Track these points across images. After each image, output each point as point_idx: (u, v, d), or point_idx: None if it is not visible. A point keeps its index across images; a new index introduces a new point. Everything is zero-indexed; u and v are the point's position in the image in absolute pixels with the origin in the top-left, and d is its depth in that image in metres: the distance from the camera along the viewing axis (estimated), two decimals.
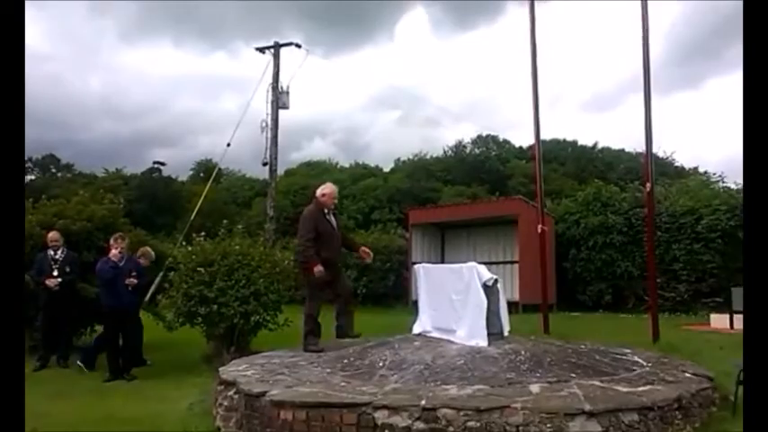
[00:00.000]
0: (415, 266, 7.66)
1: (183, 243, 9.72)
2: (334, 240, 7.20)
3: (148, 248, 9.91)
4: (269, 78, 21.17)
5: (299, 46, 21.58)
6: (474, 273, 6.57)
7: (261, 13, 76.69)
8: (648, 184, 8.38)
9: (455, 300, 6.73)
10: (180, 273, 8.51)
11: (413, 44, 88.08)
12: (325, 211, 7.25)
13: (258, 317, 8.56)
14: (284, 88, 21.25)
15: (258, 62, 27.61)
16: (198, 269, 8.34)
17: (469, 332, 6.42)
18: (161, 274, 11.49)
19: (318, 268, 6.86)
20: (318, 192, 7.33)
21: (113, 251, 8.34)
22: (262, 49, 21.46)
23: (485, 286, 6.51)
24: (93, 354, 8.96)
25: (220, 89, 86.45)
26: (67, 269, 9.16)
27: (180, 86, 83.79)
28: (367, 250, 7.72)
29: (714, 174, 17.10)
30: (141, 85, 79.01)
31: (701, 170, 40.22)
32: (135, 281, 8.36)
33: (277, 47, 21.43)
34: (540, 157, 9.63)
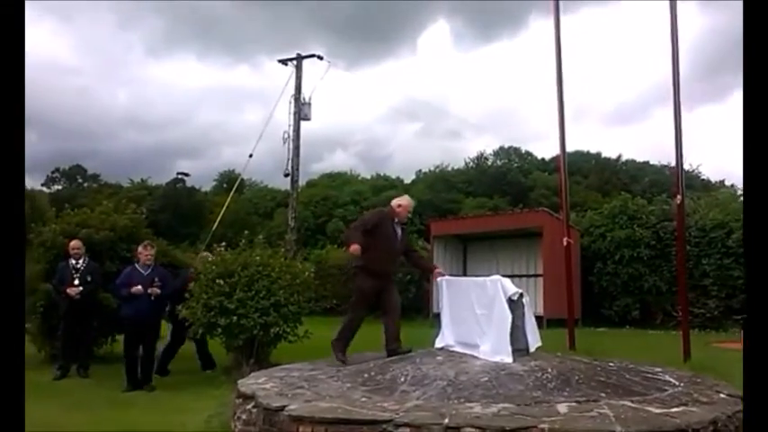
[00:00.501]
0: (438, 279, 7.47)
1: (204, 253, 9.68)
2: (392, 251, 6.94)
3: (208, 254, 9.99)
4: (291, 90, 21.28)
5: (320, 58, 21.68)
6: (498, 286, 6.42)
7: (284, 27, 77.59)
8: (679, 197, 8.15)
9: (479, 314, 6.57)
10: (200, 283, 8.44)
11: (435, 57, 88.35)
12: (395, 219, 6.97)
13: (278, 328, 8.46)
14: (306, 100, 21.31)
15: (281, 75, 27.75)
16: (218, 280, 8.26)
17: (494, 348, 6.26)
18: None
19: (354, 247, 6.58)
20: (395, 201, 7.09)
21: (142, 258, 8.36)
22: (284, 61, 21.55)
23: (509, 300, 6.36)
24: (163, 362, 9.14)
25: (243, 101, 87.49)
26: (89, 278, 9.14)
27: (204, 99, 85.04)
28: (441, 271, 7.46)
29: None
30: (166, 98, 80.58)
31: (728, 183, 39.84)
32: (158, 291, 8.29)
33: (299, 59, 21.49)
34: (565, 168, 9.45)
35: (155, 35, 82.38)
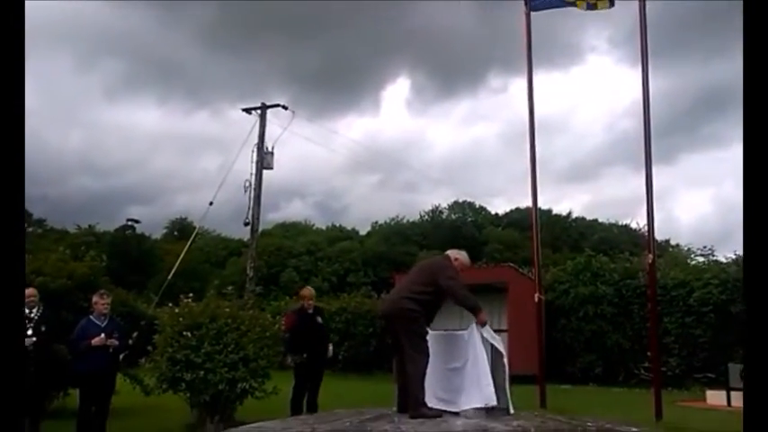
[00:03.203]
0: None
1: (169, 304, 9.22)
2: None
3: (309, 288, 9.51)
4: (254, 138, 21.14)
5: (285, 108, 21.67)
6: (474, 333, 6.30)
7: (248, 75, 77.59)
8: (650, 256, 8.26)
9: (456, 367, 6.41)
10: (165, 335, 8.07)
11: (396, 110, 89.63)
12: None
13: (245, 384, 8.09)
14: (269, 149, 21.20)
15: (240, 122, 27.60)
16: (185, 332, 7.90)
17: (475, 396, 6.11)
18: (135, 334, 11.03)
19: (486, 317, 6.36)
20: (453, 253, 6.72)
21: (99, 308, 7.92)
22: (248, 110, 21.49)
23: (493, 351, 6.25)
24: None
25: (200, 148, 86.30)
26: (43, 328, 8.65)
27: (160, 144, 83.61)
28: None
29: (705, 246, 17.10)
30: (122, 142, 78.71)
31: (673, 243, 41.06)
32: (116, 342, 7.87)
33: (264, 108, 21.46)
34: (537, 225, 9.51)
35: (115, 78, 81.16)
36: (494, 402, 5.94)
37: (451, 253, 6.75)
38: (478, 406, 6.00)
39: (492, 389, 6.01)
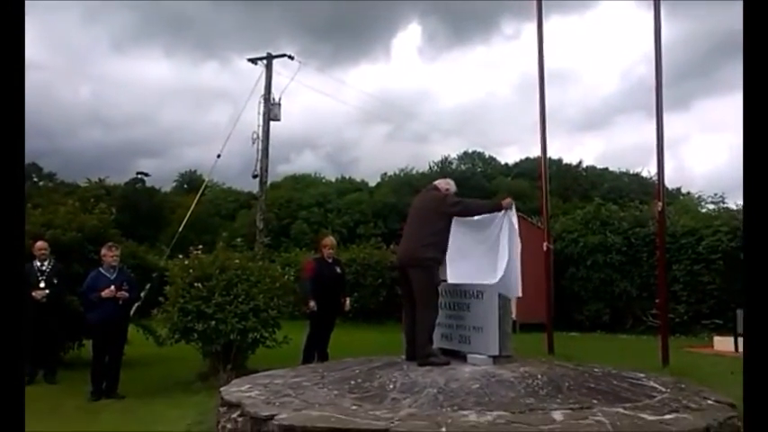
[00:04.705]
0: None
1: (180, 256, 9.30)
2: None
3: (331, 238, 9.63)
4: (261, 90, 20.98)
5: (291, 57, 21.45)
6: (504, 224, 6.29)
7: (257, 25, 76.67)
8: (659, 203, 8.22)
9: (484, 242, 6.46)
10: (176, 287, 8.17)
11: (407, 59, 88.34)
12: None
13: (256, 333, 8.23)
14: (276, 100, 21.04)
15: (250, 73, 27.39)
16: (195, 284, 8.00)
17: (486, 272, 6.19)
18: (148, 285, 11.18)
19: (510, 200, 6.26)
20: (442, 183, 6.51)
21: (107, 260, 8.02)
22: (254, 60, 21.26)
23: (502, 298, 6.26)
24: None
25: (209, 100, 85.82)
26: (55, 281, 8.80)
27: (170, 96, 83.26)
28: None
29: (716, 194, 17.04)
30: (131, 95, 78.52)
31: (684, 191, 40.78)
32: (126, 294, 7.98)
33: (270, 58, 21.23)
34: (546, 175, 9.46)
35: (122, 28, 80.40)
36: (498, 288, 6.03)
37: (440, 183, 6.55)
38: (488, 282, 6.09)
39: (502, 273, 6.08)
